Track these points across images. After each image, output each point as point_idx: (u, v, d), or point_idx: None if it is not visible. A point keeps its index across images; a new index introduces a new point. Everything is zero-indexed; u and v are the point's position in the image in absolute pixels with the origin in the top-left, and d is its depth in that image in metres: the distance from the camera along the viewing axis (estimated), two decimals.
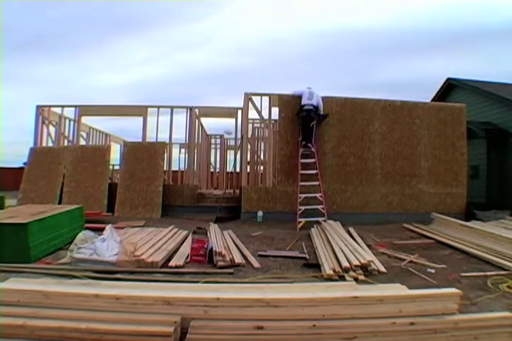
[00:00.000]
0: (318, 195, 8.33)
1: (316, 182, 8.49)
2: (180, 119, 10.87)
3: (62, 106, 10.93)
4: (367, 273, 4.29)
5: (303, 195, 8.25)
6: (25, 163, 10.45)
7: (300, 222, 7.80)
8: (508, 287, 3.84)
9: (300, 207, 8.08)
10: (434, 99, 13.89)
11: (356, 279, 4.02)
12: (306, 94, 8.72)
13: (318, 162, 8.69)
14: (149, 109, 10.65)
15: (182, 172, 12.43)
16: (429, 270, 4.61)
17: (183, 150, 12.44)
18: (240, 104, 9.97)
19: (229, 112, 11.47)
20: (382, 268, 4.47)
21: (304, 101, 8.64)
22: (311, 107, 8.53)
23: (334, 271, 4.24)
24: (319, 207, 8.24)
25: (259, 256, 5.21)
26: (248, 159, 10.29)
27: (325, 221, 7.84)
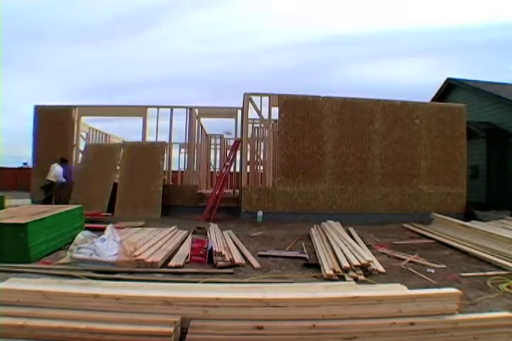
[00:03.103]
0: None
1: None
2: (180, 122, 10.89)
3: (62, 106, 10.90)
4: (367, 273, 4.29)
5: None
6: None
7: None
8: (508, 287, 3.84)
9: None
10: (434, 99, 13.88)
11: (356, 279, 4.02)
12: None
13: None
14: (149, 110, 10.65)
15: (182, 172, 12.43)
16: (428, 270, 4.61)
17: (183, 150, 12.43)
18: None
19: (229, 112, 11.46)
20: (382, 269, 4.47)
21: None
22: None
23: (334, 271, 4.24)
24: None
25: (259, 256, 5.21)
26: (248, 159, 10.28)
27: None
